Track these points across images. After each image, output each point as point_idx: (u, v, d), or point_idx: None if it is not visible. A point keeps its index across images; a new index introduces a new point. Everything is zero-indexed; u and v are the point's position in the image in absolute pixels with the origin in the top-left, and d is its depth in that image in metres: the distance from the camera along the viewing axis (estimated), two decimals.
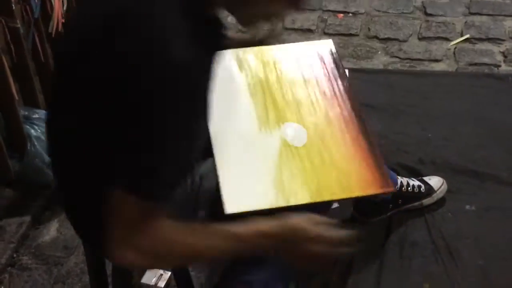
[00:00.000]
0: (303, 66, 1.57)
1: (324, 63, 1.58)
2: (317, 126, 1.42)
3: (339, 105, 1.47)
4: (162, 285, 1.88)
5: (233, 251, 1.10)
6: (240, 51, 1.59)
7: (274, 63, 1.57)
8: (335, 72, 1.55)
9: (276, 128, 1.41)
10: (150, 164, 1.00)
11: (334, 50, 1.62)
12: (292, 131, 1.41)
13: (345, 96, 1.49)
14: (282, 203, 1.25)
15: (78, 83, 1.07)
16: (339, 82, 1.52)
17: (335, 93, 1.50)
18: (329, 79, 1.53)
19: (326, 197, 1.28)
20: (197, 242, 1.07)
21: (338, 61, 1.58)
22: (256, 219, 1.11)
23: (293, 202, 1.26)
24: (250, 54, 1.59)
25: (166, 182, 1.03)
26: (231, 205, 1.24)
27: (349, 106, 1.47)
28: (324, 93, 1.50)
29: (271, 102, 1.47)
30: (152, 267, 1.11)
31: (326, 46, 1.63)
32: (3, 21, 2.05)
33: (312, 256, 1.12)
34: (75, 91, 1.09)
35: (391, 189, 1.30)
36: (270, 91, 1.49)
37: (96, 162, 1.08)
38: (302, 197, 1.26)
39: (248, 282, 1.50)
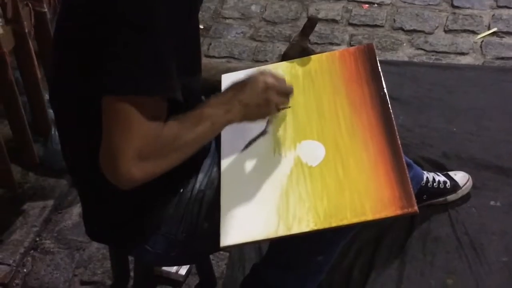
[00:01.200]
0: (335, 74, 1.45)
1: (359, 68, 1.44)
2: (338, 141, 1.30)
3: (368, 114, 1.34)
4: (183, 273, 1.89)
5: (214, 128, 1.22)
6: (271, 68, 1.48)
7: (303, 76, 1.46)
8: (370, 76, 1.41)
9: (291, 148, 1.32)
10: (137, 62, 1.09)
11: (373, 51, 1.47)
12: (308, 149, 1.31)
13: (376, 103, 1.35)
14: (282, 232, 1.19)
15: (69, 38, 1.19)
16: (372, 88, 1.39)
17: (365, 100, 1.36)
18: (361, 86, 1.40)
19: (334, 223, 1.18)
20: (187, 134, 1.18)
21: (375, 64, 1.43)
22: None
23: (295, 230, 1.19)
24: (279, 70, 1.47)
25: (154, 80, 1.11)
26: (226, 238, 1.20)
27: (379, 114, 1.33)
28: (353, 102, 1.37)
29: (291, 119, 1.38)
30: (154, 174, 1.13)
31: (364, 49, 1.48)
32: (30, 5, 2.05)
33: (266, 102, 1.25)
34: (68, 48, 1.19)
35: (412, 210, 1.15)
36: (293, 107, 1.37)
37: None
38: (306, 225, 1.19)
39: (277, 286, 1.51)
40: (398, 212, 1.16)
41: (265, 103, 1.26)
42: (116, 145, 1.09)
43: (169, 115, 1.16)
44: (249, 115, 1.26)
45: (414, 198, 1.17)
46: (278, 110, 1.30)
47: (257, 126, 1.36)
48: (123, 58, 1.08)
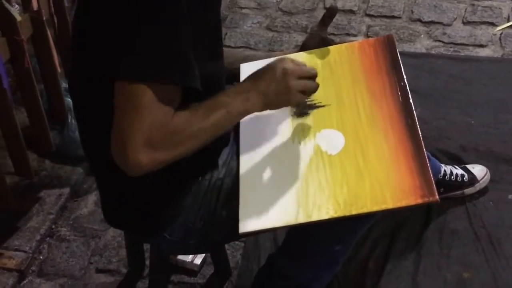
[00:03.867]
0: (355, 65, 1.44)
1: (379, 59, 1.43)
2: (358, 131, 1.30)
3: (388, 104, 1.33)
4: (198, 262, 1.89)
5: (230, 117, 1.20)
6: (290, 57, 1.50)
7: (323, 66, 1.45)
8: (390, 67, 1.41)
9: (311, 137, 1.31)
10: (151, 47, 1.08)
11: (393, 43, 1.46)
12: (328, 138, 1.31)
13: (396, 93, 1.34)
14: (302, 220, 1.18)
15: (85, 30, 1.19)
16: (392, 78, 1.38)
17: (385, 90, 1.36)
18: (381, 76, 1.39)
19: (354, 211, 1.17)
20: (200, 122, 1.15)
21: (395, 55, 1.43)
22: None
23: (315, 218, 1.18)
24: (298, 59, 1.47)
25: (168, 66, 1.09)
26: (245, 225, 1.20)
27: (398, 103, 1.32)
28: (373, 92, 1.37)
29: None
30: (163, 162, 1.12)
31: (384, 41, 1.47)
32: None
33: (286, 89, 1.23)
34: (86, 39, 1.19)
35: (434, 199, 1.14)
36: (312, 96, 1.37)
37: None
38: (326, 212, 1.18)
39: (292, 278, 1.50)
40: (419, 200, 1.15)
41: (285, 90, 1.23)
42: (125, 131, 1.08)
43: (189, 103, 1.15)
44: (270, 103, 1.25)
45: (434, 187, 1.16)
46: (306, 95, 1.27)
47: (276, 114, 1.35)
48: (137, 44, 1.08)
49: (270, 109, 1.26)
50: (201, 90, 1.15)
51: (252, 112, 1.23)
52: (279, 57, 1.29)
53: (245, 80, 1.25)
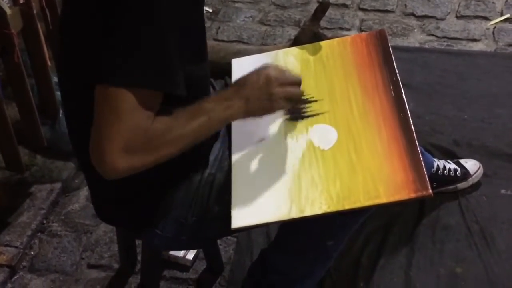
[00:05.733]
0: (347, 59, 1.43)
1: (371, 54, 1.43)
2: (350, 125, 1.29)
3: (380, 98, 1.32)
4: (191, 257, 1.88)
5: (212, 123, 1.17)
6: (281, 53, 1.49)
7: (315, 61, 1.45)
8: (382, 61, 1.40)
9: (303, 132, 1.31)
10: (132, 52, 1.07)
11: (385, 37, 1.46)
12: (320, 133, 1.30)
13: (388, 88, 1.33)
14: (295, 215, 1.18)
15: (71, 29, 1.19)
16: (385, 73, 1.37)
17: (377, 85, 1.35)
18: (374, 71, 1.39)
19: (347, 206, 1.17)
20: (180, 128, 1.14)
21: (387, 49, 1.43)
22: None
23: (308, 212, 1.17)
24: (290, 56, 1.47)
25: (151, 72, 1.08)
26: (237, 220, 1.19)
27: (391, 98, 1.31)
28: (365, 87, 1.36)
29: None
30: (140, 167, 1.12)
31: (376, 35, 1.47)
32: None
33: (268, 96, 1.20)
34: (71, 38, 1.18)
35: (427, 193, 1.14)
36: (304, 91, 1.35)
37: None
38: (319, 207, 1.17)
39: (285, 273, 1.50)
40: (412, 195, 1.15)
41: (267, 97, 1.21)
42: (104, 135, 1.07)
43: (172, 105, 1.13)
44: (252, 110, 1.21)
45: (428, 181, 1.16)
46: (292, 102, 1.25)
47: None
48: (120, 48, 1.06)
49: (253, 116, 1.23)
50: (184, 96, 1.13)
51: (234, 119, 1.22)
52: (264, 64, 1.26)
53: (229, 87, 1.23)
